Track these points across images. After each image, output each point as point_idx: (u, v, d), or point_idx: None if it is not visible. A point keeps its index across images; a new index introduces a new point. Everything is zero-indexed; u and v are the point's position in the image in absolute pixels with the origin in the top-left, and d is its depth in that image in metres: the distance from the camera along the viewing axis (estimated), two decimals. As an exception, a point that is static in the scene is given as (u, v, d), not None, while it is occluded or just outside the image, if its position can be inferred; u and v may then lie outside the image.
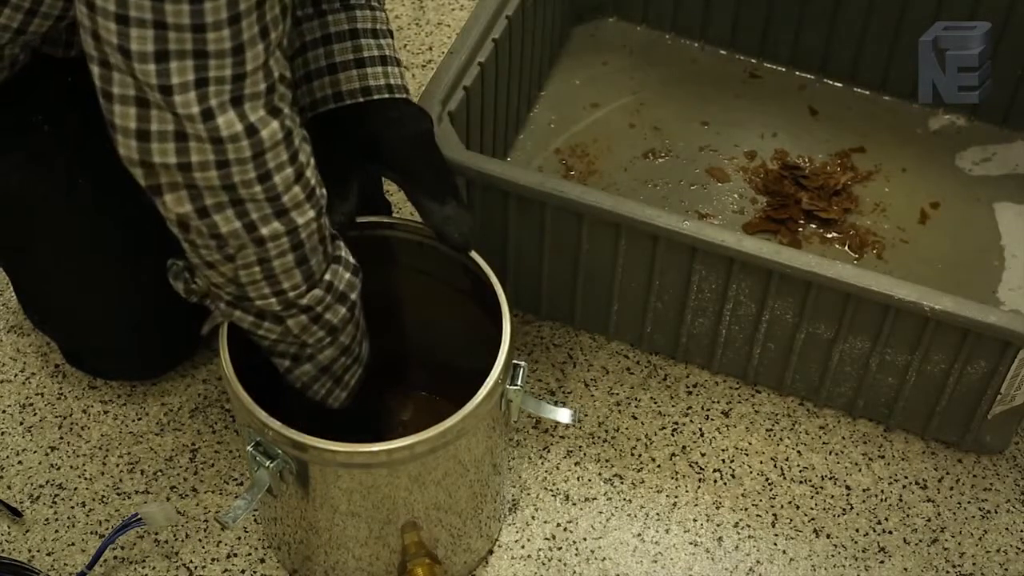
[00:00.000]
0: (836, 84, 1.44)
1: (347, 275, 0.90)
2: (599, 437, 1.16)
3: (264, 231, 0.82)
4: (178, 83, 0.73)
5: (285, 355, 0.92)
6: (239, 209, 0.81)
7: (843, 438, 1.16)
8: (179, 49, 0.72)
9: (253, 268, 0.84)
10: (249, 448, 0.89)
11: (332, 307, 0.89)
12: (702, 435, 1.16)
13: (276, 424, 0.87)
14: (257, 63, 0.75)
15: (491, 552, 1.08)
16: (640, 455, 1.15)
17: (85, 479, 1.12)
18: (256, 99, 0.76)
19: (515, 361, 0.93)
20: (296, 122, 0.81)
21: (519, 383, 0.93)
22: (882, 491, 1.13)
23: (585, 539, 1.09)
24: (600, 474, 1.13)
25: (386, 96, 0.96)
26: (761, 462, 1.15)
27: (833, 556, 1.09)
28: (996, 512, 1.12)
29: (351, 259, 0.91)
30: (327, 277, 0.88)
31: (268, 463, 0.89)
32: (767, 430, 1.17)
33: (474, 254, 0.98)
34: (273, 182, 0.80)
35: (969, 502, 1.12)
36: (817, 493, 1.13)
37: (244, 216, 0.81)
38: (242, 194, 0.80)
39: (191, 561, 1.07)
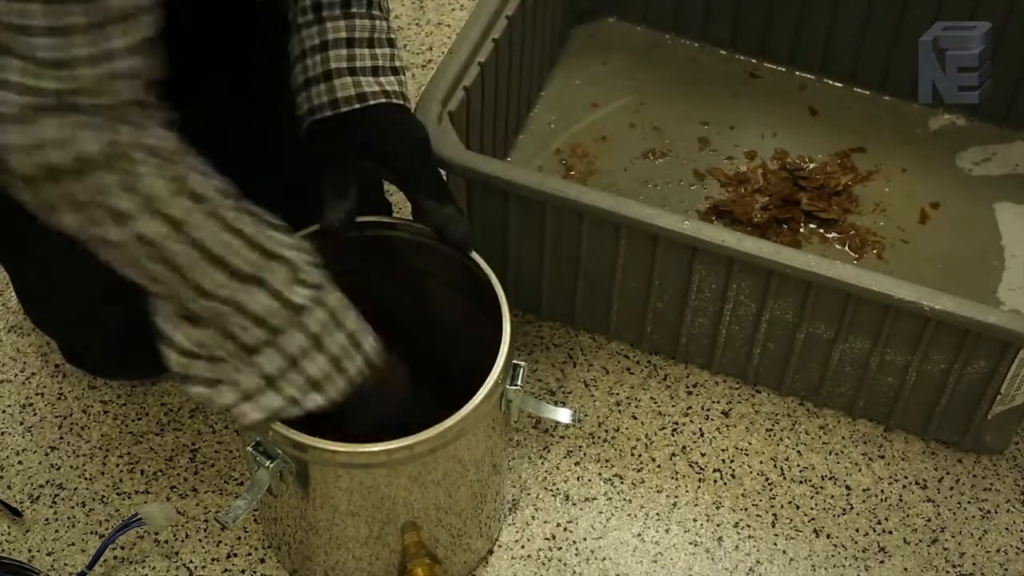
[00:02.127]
0: (836, 84, 1.44)
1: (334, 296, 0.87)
2: (599, 437, 1.16)
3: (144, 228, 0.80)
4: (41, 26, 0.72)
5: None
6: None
7: (843, 438, 1.16)
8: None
9: (155, 265, 0.82)
10: (249, 448, 0.89)
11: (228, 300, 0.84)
12: (702, 435, 1.16)
13: (276, 424, 0.87)
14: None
15: (491, 552, 1.08)
16: (640, 455, 1.15)
17: (85, 479, 1.12)
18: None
19: (515, 361, 0.93)
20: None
21: (519, 383, 0.93)
22: (882, 491, 1.13)
23: (585, 539, 1.09)
24: (600, 474, 1.13)
25: (383, 101, 0.97)
26: (761, 462, 1.15)
27: (833, 556, 1.09)
28: (996, 512, 1.12)
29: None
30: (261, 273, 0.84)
31: (268, 463, 0.89)
32: (767, 430, 1.17)
33: (474, 254, 0.98)
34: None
35: (969, 502, 1.12)
36: (817, 493, 1.13)
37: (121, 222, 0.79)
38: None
39: (191, 561, 1.07)
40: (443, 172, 1.09)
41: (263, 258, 0.84)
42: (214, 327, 0.85)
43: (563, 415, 0.96)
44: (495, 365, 0.90)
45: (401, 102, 0.98)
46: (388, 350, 0.91)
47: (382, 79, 0.98)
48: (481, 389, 0.89)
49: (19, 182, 0.79)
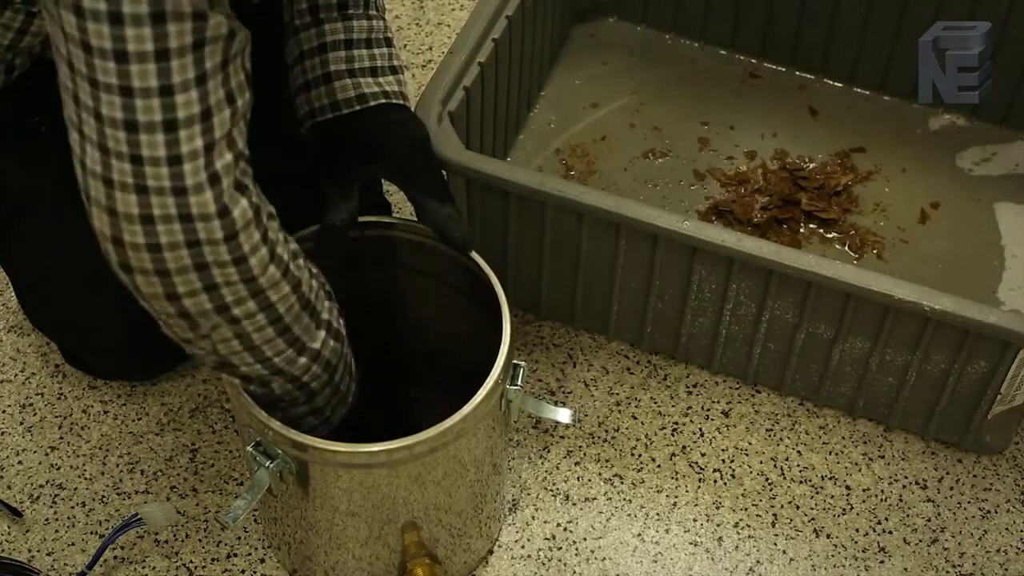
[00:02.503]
0: (836, 84, 1.44)
1: (332, 342, 0.87)
2: (599, 437, 1.16)
3: (237, 311, 0.78)
4: (149, 156, 0.69)
5: (261, 404, 0.89)
6: (213, 294, 0.76)
7: (843, 438, 1.16)
8: (148, 120, 0.68)
9: (231, 342, 0.81)
10: (249, 448, 0.89)
11: (318, 376, 0.88)
12: (702, 435, 1.16)
13: (276, 424, 0.87)
14: (224, 131, 0.71)
15: (491, 552, 1.08)
16: (640, 455, 1.15)
17: (85, 479, 1.12)
18: (227, 174, 0.72)
19: (515, 361, 0.93)
20: (262, 197, 0.77)
21: (519, 383, 0.93)
22: (882, 491, 1.13)
23: (585, 539, 1.09)
24: (600, 474, 1.13)
25: (383, 102, 0.97)
26: (761, 462, 1.15)
27: (833, 556, 1.09)
28: (996, 512, 1.12)
29: (336, 322, 0.88)
30: (315, 345, 0.86)
31: (268, 463, 0.89)
32: (767, 430, 1.17)
33: (474, 254, 0.98)
34: (248, 264, 0.76)
35: (969, 502, 1.12)
36: (817, 493, 1.13)
37: (218, 300, 0.77)
38: (215, 276, 0.75)
39: (191, 561, 1.07)
40: (443, 172, 1.09)
41: (328, 300, 0.87)
42: (270, 394, 0.88)
43: (563, 415, 0.96)
44: (495, 365, 0.90)
45: (401, 102, 0.98)
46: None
47: (381, 79, 0.98)
48: (481, 389, 0.89)
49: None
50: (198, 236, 0.73)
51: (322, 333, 0.86)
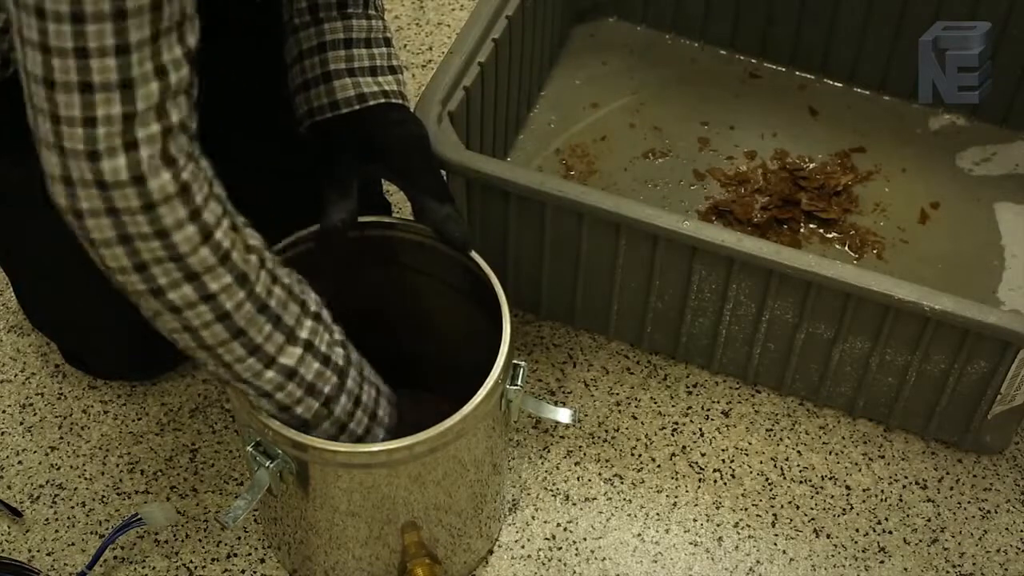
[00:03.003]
0: (836, 84, 1.44)
1: (316, 365, 0.85)
2: (599, 437, 1.16)
3: (173, 297, 0.76)
4: (65, 116, 0.70)
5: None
6: (143, 273, 0.75)
7: (843, 438, 1.16)
8: (64, 80, 0.69)
9: (183, 335, 0.80)
10: (249, 448, 0.89)
11: (301, 400, 0.85)
12: (702, 435, 1.16)
13: (276, 424, 0.87)
14: (149, 103, 0.71)
15: (491, 552, 1.08)
16: (640, 455, 1.15)
17: (85, 479, 1.12)
18: (150, 144, 0.71)
19: (515, 361, 0.93)
20: (200, 176, 0.75)
21: (519, 383, 0.93)
22: (882, 491, 1.13)
23: (585, 539, 1.09)
24: (600, 474, 1.13)
25: (382, 101, 0.97)
26: (761, 462, 1.15)
27: (833, 556, 1.09)
28: (996, 512, 1.12)
29: (326, 349, 0.86)
30: (285, 361, 0.83)
31: (268, 463, 0.89)
32: (767, 430, 1.17)
33: (474, 254, 0.98)
34: (172, 240, 0.74)
35: (969, 502, 1.12)
36: (817, 493, 1.13)
37: (150, 281, 0.76)
38: (140, 249, 0.74)
39: (191, 561, 1.07)
40: (443, 172, 1.09)
41: (306, 316, 0.84)
42: (271, 405, 0.86)
43: (563, 415, 0.96)
44: (495, 365, 0.90)
45: (400, 101, 0.98)
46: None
47: (380, 79, 0.98)
48: (481, 389, 0.89)
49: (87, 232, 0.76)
50: (115, 204, 0.72)
51: (296, 350, 0.83)
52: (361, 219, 0.99)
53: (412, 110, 1.02)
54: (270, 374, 0.83)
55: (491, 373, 0.90)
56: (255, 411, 0.87)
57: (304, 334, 0.84)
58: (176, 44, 0.72)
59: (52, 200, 0.74)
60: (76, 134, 0.70)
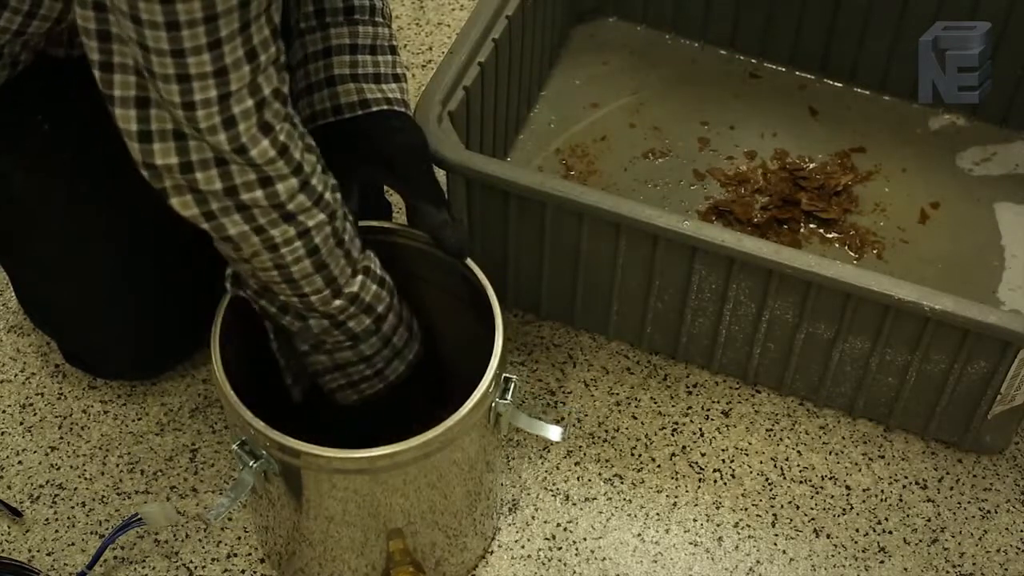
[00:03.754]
0: (836, 84, 1.44)
1: (374, 287, 0.92)
2: (599, 437, 1.16)
3: (274, 233, 0.83)
4: (168, 100, 0.76)
5: (305, 342, 0.94)
6: (245, 214, 0.82)
7: (843, 438, 1.16)
8: (163, 72, 0.75)
9: (271, 272, 0.86)
10: (234, 447, 0.89)
11: (356, 316, 0.91)
12: (702, 435, 1.16)
13: (259, 424, 0.87)
14: (242, 83, 0.76)
15: (491, 552, 1.08)
16: (640, 455, 1.15)
17: (85, 479, 1.12)
18: (247, 118, 0.78)
19: (507, 375, 0.92)
20: (294, 134, 0.82)
21: (509, 398, 0.92)
22: (882, 491, 1.13)
23: (585, 539, 1.09)
24: (600, 474, 1.13)
25: (384, 108, 0.97)
26: (761, 462, 1.15)
27: (833, 556, 1.09)
28: (996, 512, 1.12)
29: (380, 271, 0.93)
30: (352, 288, 0.90)
31: (252, 463, 0.89)
32: (767, 430, 1.17)
33: (470, 262, 0.98)
34: (275, 189, 0.82)
35: (969, 502, 1.12)
36: (817, 493, 1.13)
37: (251, 220, 0.83)
38: (244, 198, 0.81)
39: (191, 561, 1.07)
40: (443, 172, 1.09)
41: (347, 263, 0.90)
42: (321, 329, 0.92)
43: (553, 432, 0.95)
44: (483, 378, 0.90)
45: (402, 109, 0.99)
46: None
47: (384, 86, 0.98)
48: (468, 402, 0.88)
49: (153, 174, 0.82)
50: (224, 156, 0.79)
51: (360, 277, 0.90)
52: (362, 224, 0.98)
53: (412, 112, 1.02)
54: (338, 302, 0.89)
55: (479, 387, 0.89)
56: (241, 409, 0.88)
57: (365, 262, 0.91)
58: (265, 26, 0.77)
59: (154, 166, 0.80)
60: (178, 116, 0.77)
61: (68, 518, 1.10)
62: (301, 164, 0.83)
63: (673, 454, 1.15)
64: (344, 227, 0.89)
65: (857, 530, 1.10)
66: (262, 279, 0.88)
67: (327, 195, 0.86)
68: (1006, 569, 1.08)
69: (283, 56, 0.80)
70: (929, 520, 1.11)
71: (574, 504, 1.11)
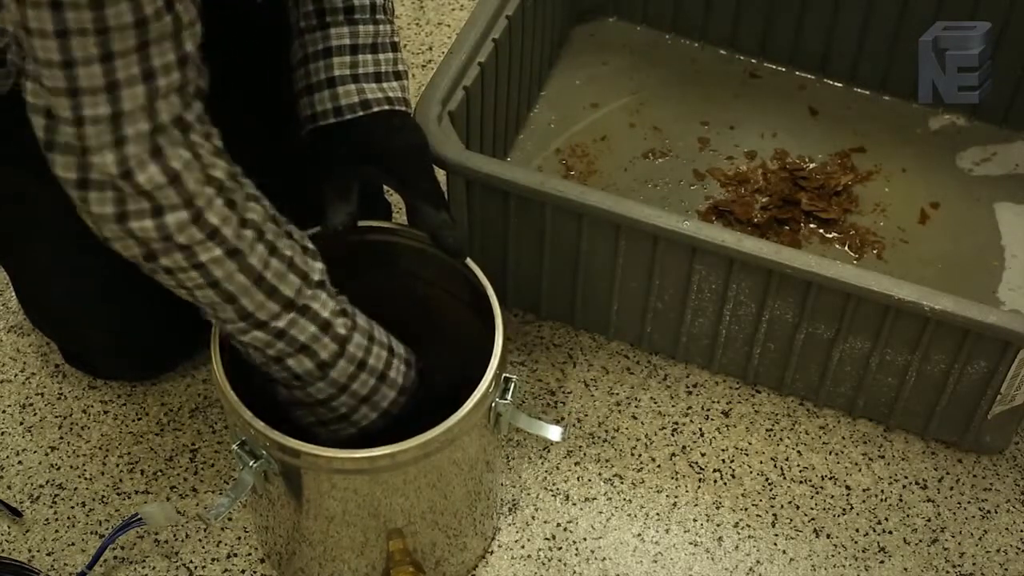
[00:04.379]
0: (836, 84, 1.44)
1: (312, 328, 0.87)
2: (599, 437, 1.16)
3: (165, 262, 0.81)
4: (61, 116, 0.75)
5: (257, 366, 0.91)
6: (138, 240, 0.80)
7: (843, 438, 1.16)
8: (53, 86, 0.73)
9: (180, 291, 0.85)
10: (235, 447, 0.89)
11: (292, 356, 0.88)
12: (702, 435, 1.16)
13: (260, 424, 0.87)
14: (136, 104, 0.75)
15: (491, 552, 1.08)
16: (640, 455, 1.15)
17: (85, 479, 1.12)
18: (138, 142, 0.76)
19: (506, 375, 0.92)
20: (194, 166, 0.79)
21: (509, 398, 0.92)
22: (882, 491, 1.13)
23: (585, 539, 1.09)
24: (600, 474, 1.13)
25: (385, 108, 0.97)
26: (761, 462, 1.15)
27: (833, 556, 1.09)
28: (996, 512, 1.12)
29: (329, 315, 0.88)
30: (278, 324, 0.86)
31: (252, 463, 0.89)
32: (767, 430, 1.17)
33: (470, 262, 0.98)
34: (163, 220, 0.79)
35: (969, 502, 1.12)
36: (817, 493, 1.13)
37: (144, 246, 0.81)
38: (133, 227, 0.79)
39: (191, 561, 1.07)
40: (443, 172, 1.09)
41: (305, 285, 0.87)
42: (261, 354, 0.88)
43: (553, 432, 0.95)
44: (483, 378, 0.90)
45: (403, 108, 0.99)
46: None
47: (385, 85, 0.98)
48: (467, 402, 0.89)
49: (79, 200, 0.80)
50: (116, 183, 0.77)
51: (291, 315, 0.86)
52: (361, 223, 0.99)
53: (413, 111, 1.02)
54: (257, 333, 0.86)
55: (479, 387, 0.89)
56: (241, 409, 0.88)
57: (302, 301, 0.87)
58: (170, 51, 0.75)
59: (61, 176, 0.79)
60: (70, 133, 0.75)
61: (68, 518, 1.10)
62: (193, 197, 0.79)
63: (673, 454, 1.15)
64: (266, 264, 0.84)
65: (857, 530, 1.10)
66: (183, 296, 0.86)
67: (227, 231, 0.81)
68: (1006, 569, 1.08)
69: (193, 86, 0.79)
70: (929, 520, 1.11)
71: (574, 504, 1.11)
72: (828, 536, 1.10)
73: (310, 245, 0.89)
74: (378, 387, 0.93)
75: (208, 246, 0.81)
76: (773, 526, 1.10)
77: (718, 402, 1.19)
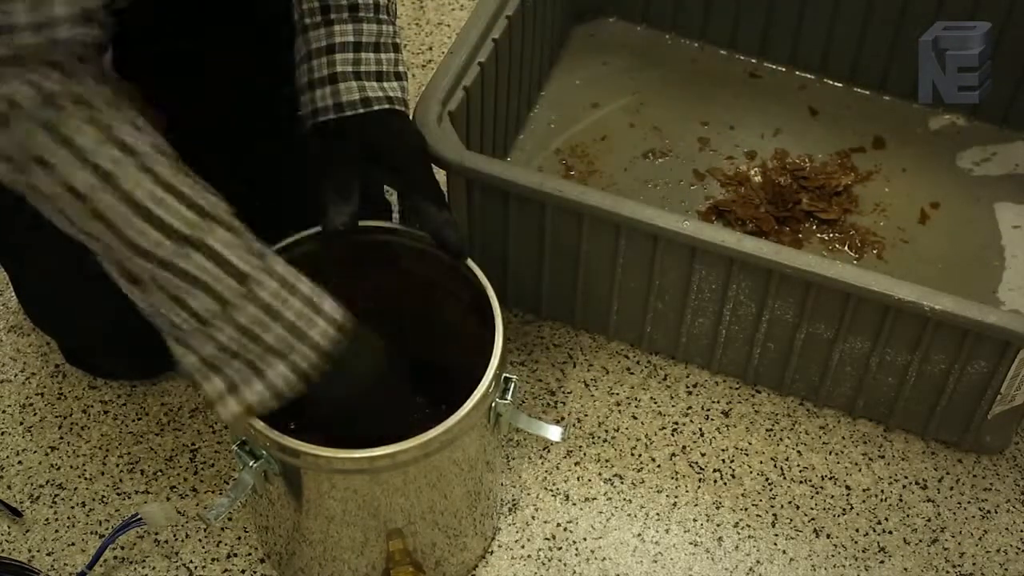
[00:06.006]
0: (836, 84, 1.44)
1: (208, 264, 0.81)
2: (599, 437, 1.16)
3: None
4: None
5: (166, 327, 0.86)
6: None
7: (843, 438, 1.16)
8: None
9: (58, 217, 0.83)
10: (235, 447, 0.89)
11: (187, 290, 0.82)
12: (702, 435, 1.16)
13: (260, 424, 0.87)
14: None
15: (491, 552, 1.08)
16: (640, 455, 1.15)
17: (85, 479, 1.12)
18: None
19: (507, 375, 0.92)
20: (63, 91, 0.77)
21: (509, 398, 0.92)
22: (882, 491, 1.13)
23: (585, 539, 1.09)
24: (600, 474, 1.13)
25: (385, 107, 0.97)
26: (761, 462, 1.15)
27: (833, 556, 1.09)
28: (996, 512, 1.12)
29: (225, 247, 0.82)
30: (167, 255, 0.81)
31: (252, 463, 0.89)
32: (767, 430, 1.17)
33: (471, 263, 0.98)
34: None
35: (969, 502, 1.12)
36: (817, 493, 1.13)
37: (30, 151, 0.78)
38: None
39: (191, 561, 1.07)
40: (443, 172, 1.09)
41: (200, 218, 0.81)
42: (160, 292, 0.83)
43: (553, 432, 0.95)
44: (484, 378, 0.90)
45: (403, 108, 0.99)
46: (353, 314, 0.87)
47: (386, 84, 0.98)
48: (468, 402, 0.89)
49: None
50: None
51: (184, 248, 0.81)
52: (362, 223, 0.99)
53: (412, 112, 1.02)
54: (140, 261, 0.81)
55: (479, 387, 0.89)
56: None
57: (197, 235, 0.81)
58: None
59: None
60: None
61: (68, 518, 1.10)
62: (50, 121, 0.77)
63: (673, 454, 1.15)
64: (150, 192, 0.79)
65: (857, 530, 1.10)
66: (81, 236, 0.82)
67: (81, 140, 0.78)
68: (1006, 569, 1.08)
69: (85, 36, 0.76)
70: (929, 520, 1.11)
71: (574, 504, 1.11)
72: (828, 536, 1.10)
73: (213, 192, 0.83)
74: (294, 344, 0.84)
75: (61, 154, 0.78)
76: (773, 526, 1.10)
77: (718, 402, 1.19)
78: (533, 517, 1.10)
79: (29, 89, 0.76)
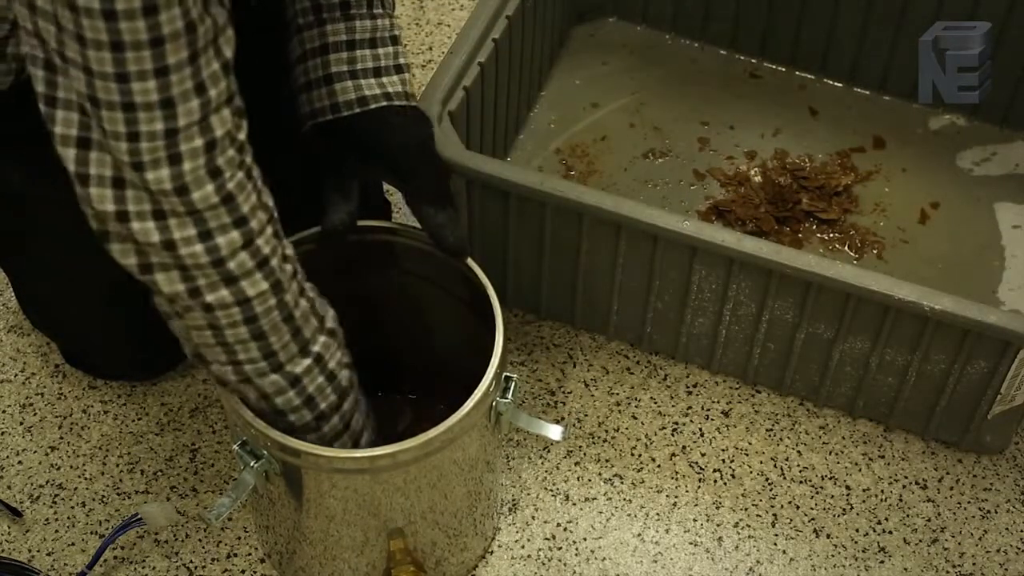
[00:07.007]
0: (836, 84, 1.44)
1: (319, 379, 0.88)
2: (599, 437, 1.16)
3: (210, 298, 0.80)
4: (111, 131, 0.73)
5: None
6: (184, 273, 0.79)
7: (843, 438, 1.16)
8: (107, 99, 0.71)
9: (205, 332, 0.83)
10: (235, 447, 0.89)
11: (296, 408, 0.88)
12: (702, 435, 1.16)
13: (260, 424, 0.87)
14: (191, 119, 0.73)
15: (491, 552, 1.08)
16: (640, 455, 1.15)
17: (85, 479, 1.12)
18: (193, 158, 0.74)
19: (507, 374, 0.92)
20: (247, 186, 0.79)
21: (510, 397, 0.92)
22: (882, 491, 1.13)
23: (585, 539, 1.09)
24: (600, 474, 1.13)
25: (384, 104, 0.97)
26: (761, 462, 1.15)
27: (833, 556, 1.09)
28: (996, 512, 1.12)
29: (333, 364, 0.89)
30: (293, 369, 0.86)
31: (253, 463, 0.89)
32: (767, 430, 1.17)
33: (471, 262, 0.97)
34: (215, 242, 0.78)
35: (969, 502, 1.12)
36: (817, 493, 1.13)
37: (189, 280, 0.79)
38: (183, 253, 0.78)
39: (191, 561, 1.07)
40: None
41: (325, 336, 0.87)
42: (267, 403, 0.88)
43: (554, 432, 0.95)
44: (484, 377, 0.90)
45: (403, 102, 0.98)
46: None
47: (384, 79, 0.98)
48: (468, 401, 0.88)
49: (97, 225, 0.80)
50: (162, 207, 0.76)
51: (306, 361, 0.86)
52: (361, 223, 0.98)
53: (416, 106, 1.01)
54: (274, 377, 0.86)
55: (479, 386, 0.89)
56: (241, 409, 0.87)
57: (316, 348, 0.87)
58: (214, 59, 0.74)
59: (91, 209, 0.78)
60: (121, 147, 0.73)
61: (68, 518, 1.10)
62: (246, 218, 0.79)
63: (673, 454, 1.15)
64: (296, 303, 0.84)
65: (857, 530, 1.10)
66: (193, 339, 0.84)
67: (274, 262, 0.81)
68: (1006, 569, 1.08)
69: (238, 99, 0.77)
70: (929, 520, 1.11)
71: (574, 504, 1.11)
72: (828, 536, 1.10)
73: (320, 295, 0.89)
74: (346, 443, 0.94)
75: (256, 278, 0.81)
76: (773, 526, 1.10)
77: (718, 402, 1.19)
78: (533, 517, 1.10)
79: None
